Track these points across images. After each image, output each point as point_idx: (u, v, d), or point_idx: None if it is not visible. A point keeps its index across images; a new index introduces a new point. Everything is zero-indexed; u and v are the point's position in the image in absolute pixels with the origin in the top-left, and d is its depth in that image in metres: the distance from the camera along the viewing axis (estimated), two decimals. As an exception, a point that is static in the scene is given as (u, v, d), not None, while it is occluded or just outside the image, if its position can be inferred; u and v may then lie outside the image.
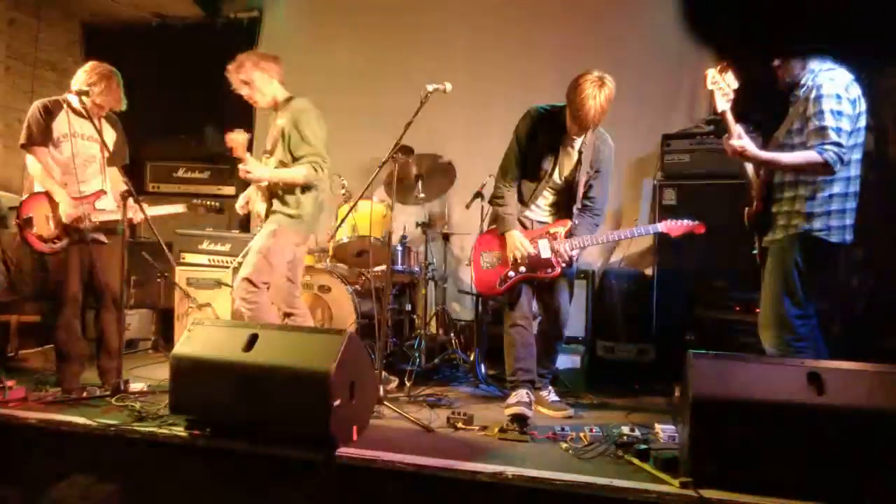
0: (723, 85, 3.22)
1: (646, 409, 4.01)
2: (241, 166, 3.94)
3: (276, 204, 4.05)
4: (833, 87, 3.11)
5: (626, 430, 3.26)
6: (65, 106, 3.97)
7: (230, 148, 3.91)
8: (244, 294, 3.86)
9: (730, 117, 3.23)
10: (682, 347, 4.41)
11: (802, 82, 3.26)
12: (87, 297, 4.12)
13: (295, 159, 3.97)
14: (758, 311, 3.45)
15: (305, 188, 4.03)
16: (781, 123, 3.38)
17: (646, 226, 3.80)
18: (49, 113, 3.97)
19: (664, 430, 3.31)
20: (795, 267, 3.21)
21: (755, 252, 3.53)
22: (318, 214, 4.21)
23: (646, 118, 5.68)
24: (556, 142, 3.82)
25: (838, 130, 3.07)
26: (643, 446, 2.95)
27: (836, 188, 3.18)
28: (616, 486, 2.62)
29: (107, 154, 4.04)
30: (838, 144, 3.05)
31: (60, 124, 3.98)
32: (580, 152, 3.82)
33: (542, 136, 3.84)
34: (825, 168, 3.07)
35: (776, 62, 3.37)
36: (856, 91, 3.18)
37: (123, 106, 4.10)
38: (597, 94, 3.48)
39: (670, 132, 5.25)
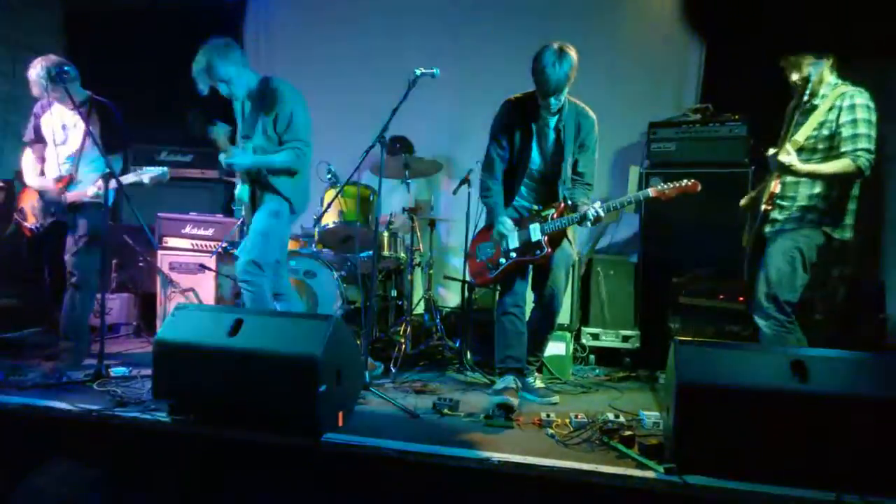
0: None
1: (630, 397, 4.03)
2: (222, 157, 3.91)
3: (272, 185, 3.96)
4: (864, 100, 3.27)
5: (610, 416, 3.27)
6: (54, 102, 4.10)
7: (213, 140, 3.93)
8: (248, 276, 3.81)
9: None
10: (667, 335, 4.49)
11: (823, 92, 3.35)
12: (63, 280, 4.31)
13: (280, 143, 3.92)
14: (741, 299, 3.49)
15: (290, 173, 3.97)
16: (787, 126, 3.46)
17: (635, 193, 3.78)
18: (36, 114, 4.27)
19: (648, 417, 3.34)
20: (801, 255, 3.34)
21: (745, 242, 3.60)
22: (306, 200, 4.16)
23: (632, 106, 5.67)
24: (530, 124, 3.81)
25: (869, 138, 3.22)
26: (628, 433, 2.97)
27: (852, 190, 3.34)
28: (601, 472, 2.64)
29: (80, 141, 4.16)
30: (870, 151, 3.20)
31: (48, 119, 4.21)
32: (558, 130, 3.80)
33: (515, 124, 3.84)
34: (858, 173, 3.21)
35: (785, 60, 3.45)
36: (873, 105, 3.31)
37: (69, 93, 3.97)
38: (555, 62, 3.49)
39: (657, 120, 5.25)
